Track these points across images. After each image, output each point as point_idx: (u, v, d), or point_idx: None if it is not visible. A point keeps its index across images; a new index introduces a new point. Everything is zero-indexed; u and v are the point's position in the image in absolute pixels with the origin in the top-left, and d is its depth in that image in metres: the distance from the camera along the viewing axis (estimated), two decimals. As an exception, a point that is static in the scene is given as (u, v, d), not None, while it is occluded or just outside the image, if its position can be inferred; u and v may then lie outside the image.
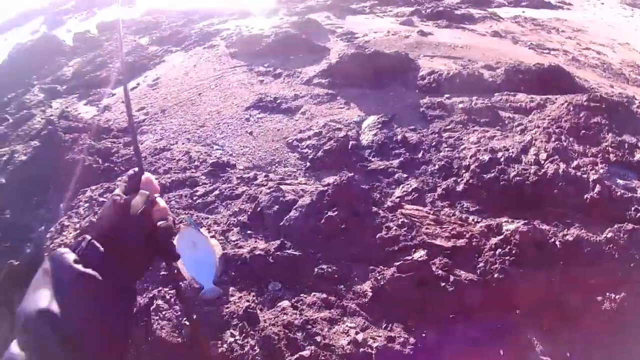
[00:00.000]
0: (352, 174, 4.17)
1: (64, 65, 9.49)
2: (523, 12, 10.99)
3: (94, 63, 8.99)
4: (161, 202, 1.57)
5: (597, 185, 4.12)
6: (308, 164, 4.87)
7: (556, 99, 5.44)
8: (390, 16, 9.64)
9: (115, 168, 5.28)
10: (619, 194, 4.13)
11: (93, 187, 4.87)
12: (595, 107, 5.09)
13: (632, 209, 4.03)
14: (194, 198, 4.54)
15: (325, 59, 7.15)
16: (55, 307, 1.21)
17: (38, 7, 17.27)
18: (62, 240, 4.24)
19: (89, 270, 1.28)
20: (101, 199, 4.65)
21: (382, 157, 4.85)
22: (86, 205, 4.66)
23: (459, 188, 4.33)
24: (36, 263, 3.93)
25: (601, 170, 4.35)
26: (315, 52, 7.45)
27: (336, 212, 3.81)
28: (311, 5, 10.46)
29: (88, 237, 1.37)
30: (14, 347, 1.15)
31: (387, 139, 5.04)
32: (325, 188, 4.01)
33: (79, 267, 1.28)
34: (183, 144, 5.56)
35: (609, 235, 3.72)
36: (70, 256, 1.31)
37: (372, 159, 4.82)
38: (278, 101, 6.06)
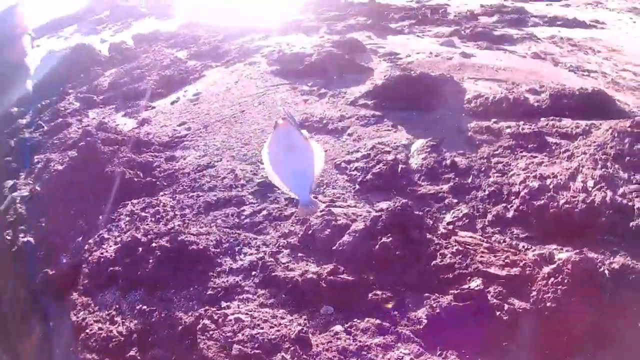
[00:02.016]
0: (407, 200, 4.18)
1: (100, 75, 9.61)
2: (559, 31, 10.93)
3: (131, 75, 9.10)
4: None
5: None
6: (357, 186, 4.94)
7: (600, 124, 5.45)
8: (429, 36, 9.68)
9: (157, 183, 5.36)
10: None
11: (135, 201, 4.95)
12: (639, 133, 5.08)
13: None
14: (241, 217, 4.61)
15: (369, 80, 7.22)
16: None
17: (72, 14, 17.14)
18: (101, 253, 4.32)
19: None
20: (143, 214, 4.73)
21: (432, 181, 4.91)
22: (127, 219, 4.74)
23: (509, 214, 4.37)
24: (72, 275, 4.07)
25: None
26: (359, 72, 7.56)
27: (390, 239, 3.83)
28: (351, 24, 10.54)
29: None
30: None
31: (436, 163, 5.10)
32: (380, 214, 4.04)
33: None
34: (227, 161, 5.62)
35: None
36: None
37: (422, 183, 4.89)
38: (324, 122, 6.14)
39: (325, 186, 5.02)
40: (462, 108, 6.16)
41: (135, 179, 5.35)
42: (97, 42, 12.76)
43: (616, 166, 4.73)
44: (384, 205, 4.25)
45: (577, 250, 3.67)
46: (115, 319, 3.78)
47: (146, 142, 6.25)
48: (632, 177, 4.61)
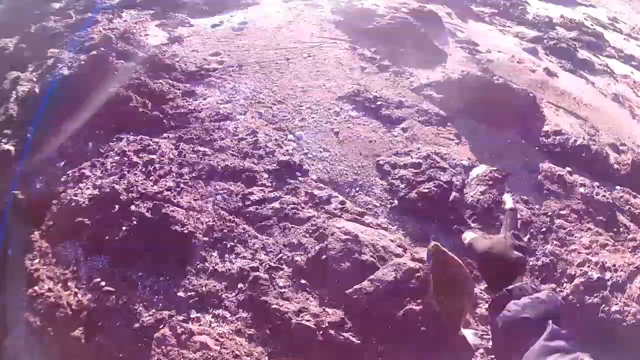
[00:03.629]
0: None
1: None
2: (632, 72, 10.06)
3: None
4: None
5: None
6: (395, 202, 4.12)
7: None
8: (511, 35, 8.70)
9: (164, 121, 4.55)
10: None
11: (131, 138, 4.20)
12: None
13: None
14: (246, 202, 3.80)
15: (441, 66, 6.28)
16: None
17: None
18: (74, 194, 3.64)
19: None
20: (135, 158, 3.97)
21: (484, 224, 4.12)
22: (116, 158, 4.00)
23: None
24: (42, 205, 3.39)
25: None
26: (432, 53, 6.56)
27: (421, 307, 3.09)
28: (434, -7, 9.48)
29: None
30: None
31: (494, 202, 4.27)
32: (416, 266, 3.25)
33: None
34: (252, 117, 4.74)
35: None
36: None
37: (472, 224, 4.10)
38: (378, 102, 5.19)
39: (358, 188, 4.19)
40: (538, 140, 5.26)
41: (141, 109, 4.55)
42: None
43: None
44: (423, 254, 3.43)
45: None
46: (69, 283, 3.22)
47: (169, 65, 5.35)
48: None
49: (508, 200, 1.96)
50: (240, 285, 3.22)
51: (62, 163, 4.06)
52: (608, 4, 13.39)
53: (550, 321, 1.43)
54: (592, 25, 11.89)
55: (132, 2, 7.17)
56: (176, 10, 7.00)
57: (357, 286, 3.19)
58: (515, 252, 1.71)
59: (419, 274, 3.19)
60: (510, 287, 1.59)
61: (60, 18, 6.60)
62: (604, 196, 4.69)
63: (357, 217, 3.81)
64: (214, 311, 3.08)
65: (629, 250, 4.32)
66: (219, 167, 4.02)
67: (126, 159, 3.97)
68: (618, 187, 4.98)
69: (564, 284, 3.85)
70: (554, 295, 1.53)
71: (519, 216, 4.16)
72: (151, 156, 3.99)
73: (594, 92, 7.39)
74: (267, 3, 7.59)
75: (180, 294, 3.12)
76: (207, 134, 4.38)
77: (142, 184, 3.67)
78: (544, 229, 4.23)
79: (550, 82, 6.77)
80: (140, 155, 4.01)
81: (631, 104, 7.84)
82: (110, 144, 4.16)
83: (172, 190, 3.70)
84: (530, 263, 3.94)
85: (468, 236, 1.91)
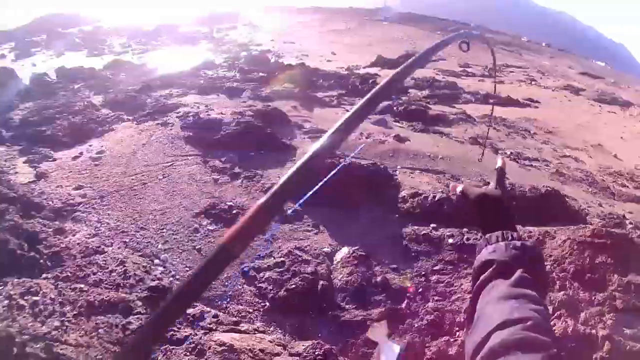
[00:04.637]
0: (331, 347, 3.34)
1: (15, 107, 8.84)
2: (491, 109, 10.61)
3: (42, 114, 8.21)
4: None
5: (607, 342, 3.82)
6: (267, 303, 4.02)
7: (555, 232, 4.86)
8: (359, 112, 8.94)
9: (41, 261, 4.36)
10: (627, 347, 3.81)
11: (15, 281, 3.96)
12: (600, 244, 4.66)
13: (642, 363, 3.70)
14: (127, 333, 3.65)
15: (291, 161, 6.30)
16: None
17: (11, 29, 17.58)
18: None
19: None
20: (21, 301, 3.75)
21: (359, 304, 4.02)
22: (5, 302, 3.73)
23: (452, 351, 3.67)
24: None
25: (609, 322, 3.99)
26: (279, 150, 6.62)
27: None
28: (277, 91, 9.74)
29: None
30: None
31: (364, 280, 4.20)
32: None
33: None
34: (119, 247, 4.65)
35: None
36: None
37: (347, 306, 3.99)
38: (234, 211, 5.16)
39: (228, 299, 4.09)
40: (395, 207, 5.29)
41: (19, 251, 4.38)
42: (29, 65, 13.08)
43: (576, 284, 4.29)
44: (300, 347, 3.36)
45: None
46: None
47: (38, 204, 5.27)
48: (593, 298, 4.22)
49: (498, 160, 1.89)
50: None
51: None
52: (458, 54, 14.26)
53: (521, 269, 1.32)
54: (443, 77, 12.49)
55: (1, 138, 7.30)
56: (41, 143, 7.09)
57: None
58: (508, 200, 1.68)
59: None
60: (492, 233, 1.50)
61: None
62: (475, 239, 4.70)
63: (233, 326, 3.75)
64: None
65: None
66: (96, 301, 3.89)
67: (14, 302, 3.76)
68: (489, 227, 4.97)
69: (457, 335, 3.75)
70: (533, 245, 1.44)
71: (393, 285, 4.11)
72: (35, 298, 3.85)
73: (451, 144, 7.64)
74: (121, 128, 7.69)
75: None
76: (82, 270, 4.27)
77: (32, 324, 3.53)
78: (420, 290, 4.17)
79: (402, 148, 6.93)
80: (26, 297, 3.83)
81: (492, 141, 8.16)
82: (-2, 287, 4.05)
83: (59, 330, 3.55)
84: (415, 326, 3.85)
85: (458, 186, 1.80)
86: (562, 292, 4.14)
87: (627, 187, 7.45)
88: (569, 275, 4.33)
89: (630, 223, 5.46)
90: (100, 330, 3.66)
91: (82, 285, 4.09)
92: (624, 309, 4.12)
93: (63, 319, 3.70)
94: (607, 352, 3.72)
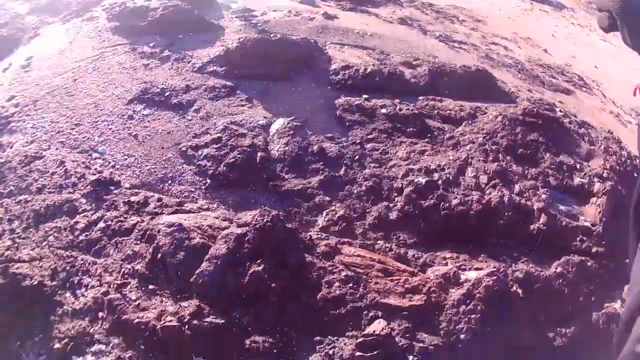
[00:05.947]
0: (277, 212, 3.33)
1: None
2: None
3: None
4: None
5: (543, 215, 3.94)
6: (208, 181, 4.02)
7: (486, 108, 5.01)
8: (287, -9, 8.72)
9: None
10: (564, 223, 3.97)
11: None
12: (532, 122, 4.82)
13: (578, 239, 3.92)
14: (75, 233, 3.65)
15: (220, 41, 6.12)
16: None
17: None
18: None
19: None
20: None
21: (298, 173, 4.08)
22: None
23: (392, 215, 3.80)
24: None
25: (543, 196, 4.14)
26: (208, 30, 6.41)
27: (262, 266, 3.00)
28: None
29: None
30: None
31: (301, 149, 4.24)
32: (244, 231, 3.16)
33: None
34: (57, 149, 4.51)
35: (558, 270, 3.63)
36: None
37: (286, 176, 4.04)
38: (166, 93, 5.02)
39: (169, 181, 4.07)
40: (327, 80, 5.26)
41: None
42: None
43: (508, 158, 4.42)
44: (247, 217, 3.34)
45: (487, 271, 3.33)
46: None
47: None
48: (527, 172, 4.33)
49: None
50: (100, 314, 3.09)
51: None
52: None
53: None
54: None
55: None
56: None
57: (198, 270, 3.09)
58: None
59: (247, 237, 3.15)
60: None
61: None
62: (408, 109, 4.76)
63: (178, 207, 3.75)
64: (90, 349, 2.97)
65: (450, 148, 4.42)
66: (42, 208, 3.86)
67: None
68: (421, 98, 5.05)
69: (396, 199, 3.85)
70: None
71: (330, 153, 4.15)
72: (-18, 220, 3.81)
73: (379, 23, 7.56)
74: (47, 32, 7.29)
75: (56, 345, 2.98)
76: (23, 180, 4.18)
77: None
78: (357, 157, 4.23)
79: (331, 25, 6.82)
80: None
81: (421, 23, 8.12)
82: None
83: (11, 249, 3.52)
84: (354, 192, 3.92)
85: None
86: (495, 164, 4.25)
87: (557, 79, 7.52)
88: (502, 149, 4.45)
89: (561, 111, 5.55)
90: (50, 238, 3.67)
91: (26, 196, 4.07)
92: (557, 187, 4.26)
93: (13, 236, 3.72)
94: (544, 224, 3.85)
